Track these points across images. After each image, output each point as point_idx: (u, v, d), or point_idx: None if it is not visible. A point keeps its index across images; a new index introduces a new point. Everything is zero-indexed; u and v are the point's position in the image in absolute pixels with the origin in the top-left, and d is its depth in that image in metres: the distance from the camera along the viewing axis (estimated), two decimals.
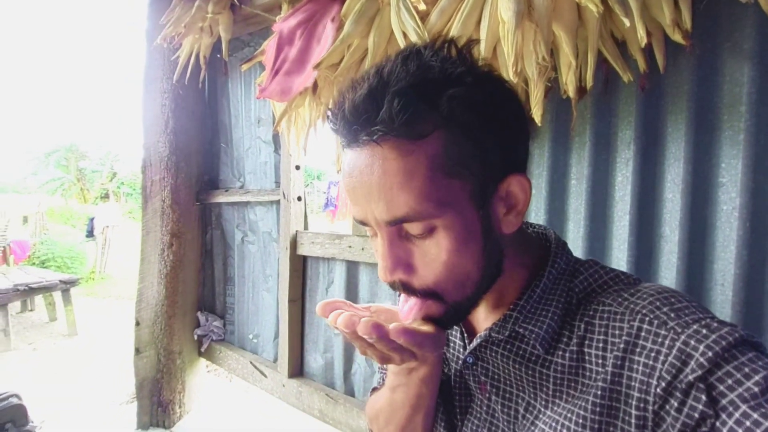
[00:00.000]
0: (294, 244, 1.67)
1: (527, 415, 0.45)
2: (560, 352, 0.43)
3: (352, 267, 1.55)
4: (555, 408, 0.42)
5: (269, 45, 1.24)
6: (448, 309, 0.42)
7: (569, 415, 0.41)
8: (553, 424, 0.42)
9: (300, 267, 1.71)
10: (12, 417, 1.54)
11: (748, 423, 0.31)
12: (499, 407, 0.47)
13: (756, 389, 0.32)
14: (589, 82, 0.85)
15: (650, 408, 0.36)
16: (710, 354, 0.34)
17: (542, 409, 0.43)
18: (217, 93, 2.07)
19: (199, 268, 2.12)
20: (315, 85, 1.20)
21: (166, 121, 1.86)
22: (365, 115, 0.37)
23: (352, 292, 1.56)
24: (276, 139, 1.80)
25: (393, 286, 0.43)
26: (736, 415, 0.32)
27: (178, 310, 1.98)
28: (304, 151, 1.37)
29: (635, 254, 0.96)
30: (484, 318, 0.51)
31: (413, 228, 0.40)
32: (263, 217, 1.90)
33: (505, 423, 0.46)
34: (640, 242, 0.95)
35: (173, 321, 1.96)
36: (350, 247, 1.49)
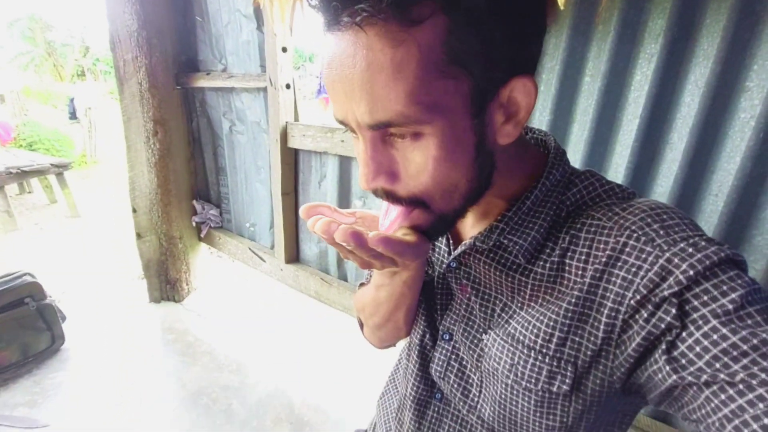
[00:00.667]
0: (284, 136, 1.60)
1: (502, 314, 0.47)
2: (541, 262, 0.44)
3: (345, 162, 1.52)
4: (529, 310, 0.44)
5: None
6: (434, 219, 0.41)
7: (541, 317, 0.43)
8: (525, 324, 0.44)
9: (292, 160, 1.67)
10: (30, 292, 1.67)
11: (715, 336, 0.32)
12: (477, 306, 0.49)
13: (730, 306, 0.32)
14: None
15: (620, 317, 0.38)
16: (691, 272, 0.34)
17: (517, 310, 0.46)
18: None
19: (188, 158, 2.08)
20: None
21: None
22: None
23: (344, 188, 1.56)
24: (258, 13, 1.57)
25: (375, 193, 0.40)
26: (705, 328, 0.33)
27: (173, 198, 1.99)
28: (290, 31, 1.21)
29: (636, 161, 0.93)
30: (471, 225, 0.51)
31: (398, 133, 0.36)
32: (250, 106, 1.78)
33: (482, 319, 0.49)
34: (644, 149, 0.92)
35: (170, 208, 1.99)
36: (343, 141, 1.43)
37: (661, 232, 0.37)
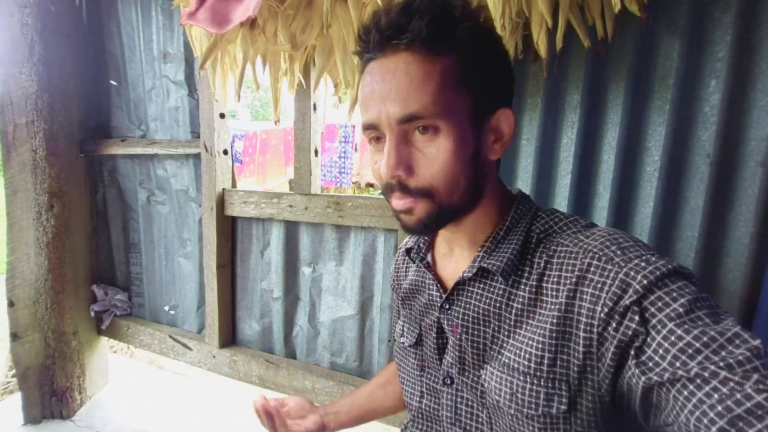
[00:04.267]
0: (221, 203, 1.49)
1: (493, 347, 0.51)
2: (522, 286, 0.49)
3: (291, 228, 1.45)
4: (516, 336, 0.49)
5: None
6: (435, 209, 0.48)
7: (530, 342, 0.47)
8: (516, 351, 0.48)
9: (228, 229, 1.54)
10: None
11: (672, 337, 0.37)
12: (469, 344, 0.53)
13: (681, 309, 0.38)
14: (559, 44, 0.87)
15: (595, 330, 0.42)
16: (645, 282, 0.40)
17: (506, 339, 0.50)
18: (101, 15, 1.64)
19: (89, 235, 1.77)
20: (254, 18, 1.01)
21: (30, 45, 1.41)
22: (398, 25, 0.44)
23: (292, 254, 1.47)
24: (190, 79, 1.52)
25: (389, 187, 0.48)
26: (663, 331, 0.38)
27: (67, 284, 1.64)
28: (237, 96, 1.19)
29: (573, 210, 1.06)
30: (456, 267, 0.57)
31: (420, 127, 0.45)
32: (176, 173, 1.64)
33: (474, 356, 0.53)
34: (578, 199, 1.06)
35: (62, 297, 1.63)
36: (291, 206, 1.38)
37: (618, 252, 0.44)
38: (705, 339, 0.35)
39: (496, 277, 0.50)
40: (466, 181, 0.48)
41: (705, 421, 0.32)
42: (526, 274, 0.49)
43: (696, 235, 0.95)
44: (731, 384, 0.32)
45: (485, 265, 0.50)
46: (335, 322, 1.43)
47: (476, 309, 0.52)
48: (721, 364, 0.33)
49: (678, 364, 0.35)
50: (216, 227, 1.49)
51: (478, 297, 0.52)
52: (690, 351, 0.35)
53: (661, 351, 0.37)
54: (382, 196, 1.33)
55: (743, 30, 0.86)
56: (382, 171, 0.47)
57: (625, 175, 1.01)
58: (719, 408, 0.32)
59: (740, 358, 0.33)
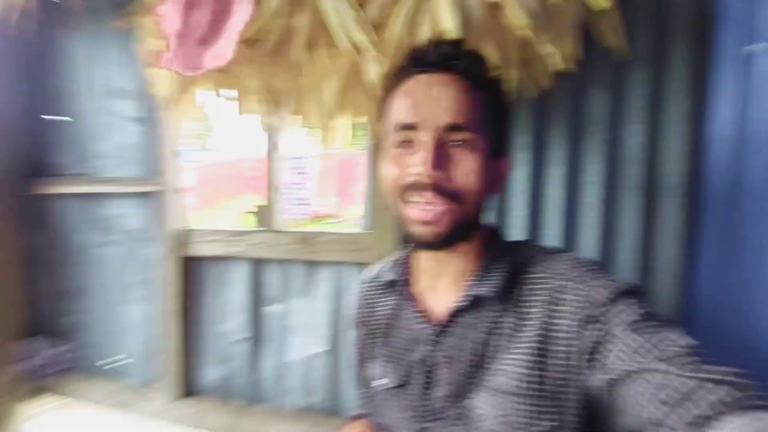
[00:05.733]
0: (179, 243, 1.42)
1: (484, 374, 0.54)
2: (507, 314, 0.54)
3: (257, 266, 1.42)
4: (504, 360, 0.53)
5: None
6: (459, 217, 0.53)
7: (518, 363, 0.52)
8: (503, 374, 0.52)
9: (187, 270, 1.47)
10: None
11: (628, 340, 0.45)
12: (461, 376, 0.55)
13: (633, 318, 0.47)
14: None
15: (572, 343, 0.50)
16: (605, 299, 0.49)
17: (494, 365, 0.54)
18: (54, 49, 1.56)
19: (19, 284, 1.60)
20: None
21: None
22: (453, 53, 0.55)
23: (257, 293, 1.44)
24: (146, 116, 1.47)
25: (419, 186, 0.52)
26: (620, 336, 0.46)
27: None
28: (196, 135, 1.18)
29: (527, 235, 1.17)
30: (442, 300, 0.59)
31: (458, 141, 0.52)
32: (128, 213, 1.55)
33: (466, 387, 0.55)
34: (533, 230, 1.17)
35: None
36: (257, 243, 1.36)
37: (584, 275, 0.52)
38: (654, 340, 0.44)
39: (487, 305, 0.55)
40: (480, 200, 0.55)
41: (647, 396, 0.41)
42: (510, 304, 0.54)
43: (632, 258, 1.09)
44: (672, 372, 0.41)
45: (479, 293, 0.55)
46: (306, 361, 1.40)
47: (471, 338, 0.55)
48: (664, 357, 0.42)
49: (632, 361, 0.43)
50: (174, 269, 1.42)
51: (472, 326, 0.55)
52: (642, 350, 0.43)
53: (619, 353, 0.45)
54: (350, 231, 1.36)
55: (656, 84, 1.04)
56: (417, 170, 0.52)
57: (570, 205, 1.14)
58: (662, 393, 0.40)
59: (680, 352, 0.42)
